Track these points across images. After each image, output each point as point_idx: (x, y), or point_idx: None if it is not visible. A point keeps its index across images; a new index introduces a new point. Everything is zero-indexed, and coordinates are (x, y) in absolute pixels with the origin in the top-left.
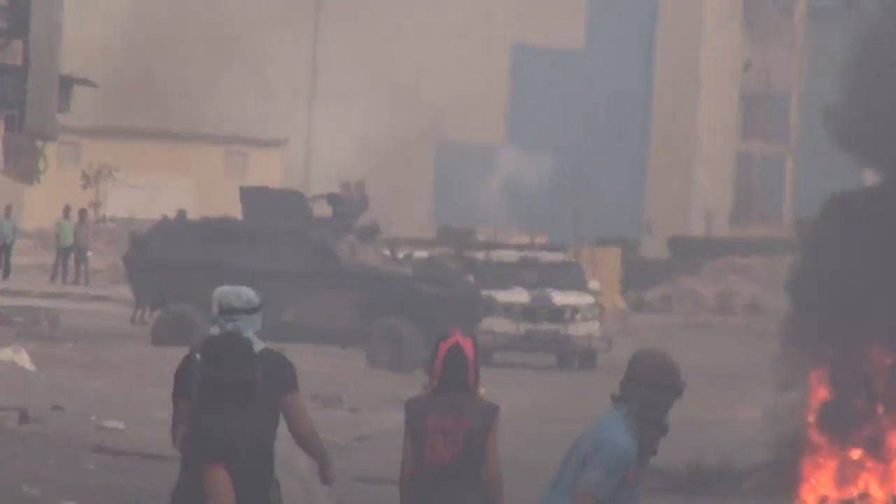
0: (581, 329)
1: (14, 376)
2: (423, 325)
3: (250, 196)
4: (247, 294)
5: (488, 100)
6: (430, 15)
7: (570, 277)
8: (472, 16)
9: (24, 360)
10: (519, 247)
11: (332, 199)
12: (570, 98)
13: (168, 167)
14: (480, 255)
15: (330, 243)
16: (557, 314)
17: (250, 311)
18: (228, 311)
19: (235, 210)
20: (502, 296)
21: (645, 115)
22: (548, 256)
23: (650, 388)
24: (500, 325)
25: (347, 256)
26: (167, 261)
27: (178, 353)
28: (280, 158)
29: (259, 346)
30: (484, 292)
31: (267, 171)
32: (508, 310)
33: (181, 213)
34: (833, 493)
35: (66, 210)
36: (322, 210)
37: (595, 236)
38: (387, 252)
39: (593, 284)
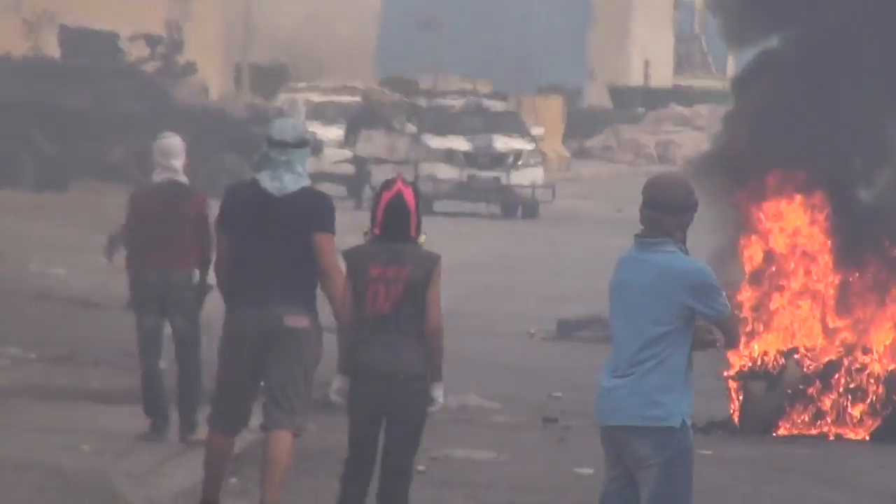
0: (524, 177)
1: None
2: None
3: (68, 35)
4: (300, 126)
5: None
6: None
7: (513, 125)
8: None
9: None
10: (462, 94)
11: (150, 39)
12: None
13: (108, 13)
14: (423, 103)
15: (161, 82)
16: (499, 160)
17: (303, 144)
18: (279, 148)
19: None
20: (443, 142)
21: None
22: (490, 104)
23: (684, 211)
24: (442, 171)
25: (179, 96)
26: None
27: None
28: (222, 7)
29: (303, 182)
30: (427, 139)
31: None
32: (450, 156)
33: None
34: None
35: None
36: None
37: (538, 84)
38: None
39: (536, 131)
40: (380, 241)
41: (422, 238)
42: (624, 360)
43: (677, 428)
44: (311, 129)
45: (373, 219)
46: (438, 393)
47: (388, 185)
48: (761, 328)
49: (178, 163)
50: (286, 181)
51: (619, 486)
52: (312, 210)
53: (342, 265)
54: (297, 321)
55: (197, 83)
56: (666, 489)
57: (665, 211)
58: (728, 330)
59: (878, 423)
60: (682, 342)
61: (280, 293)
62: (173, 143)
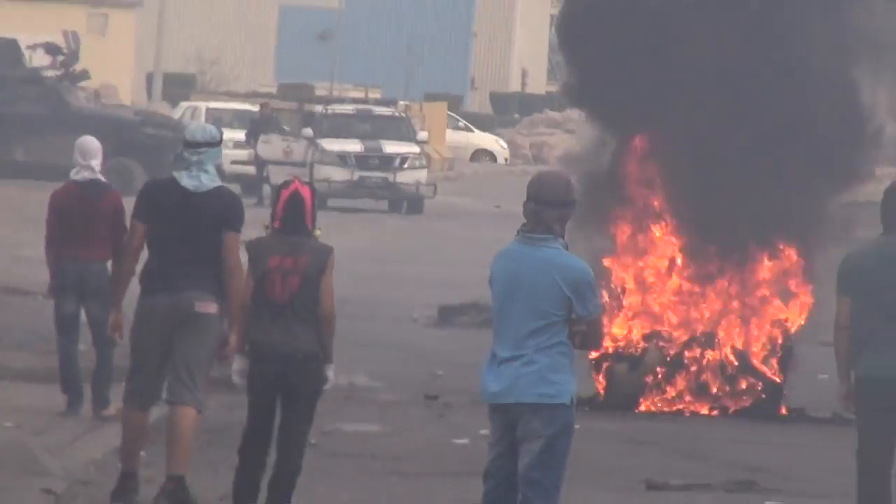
0: (409, 176)
1: None
2: (147, 164)
3: None
4: (211, 129)
5: None
6: None
7: (400, 129)
8: None
9: None
10: (354, 101)
11: (50, 47)
12: None
13: (30, 25)
14: (318, 109)
15: (61, 88)
16: (387, 162)
17: (213, 144)
18: (193, 148)
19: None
20: (337, 145)
21: None
22: (380, 110)
23: (564, 206)
24: (335, 172)
25: (77, 101)
26: None
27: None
28: (136, 21)
29: (217, 182)
30: (323, 142)
31: (125, 33)
32: (343, 158)
33: None
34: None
35: None
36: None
37: (425, 92)
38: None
39: (422, 136)
40: (279, 234)
41: (317, 231)
42: (513, 344)
43: (567, 405)
44: None
45: (273, 214)
46: (330, 372)
47: (286, 184)
48: (627, 314)
49: (97, 162)
50: (203, 179)
51: (502, 462)
52: (226, 209)
53: (244, 257)
54: (207, 307)
55: (90, 90)
56: (547, 458)
57: (546, 205)
58: (595, 330)
59: (729, 401)
60: (566, 329)
61: (192, 280)
62: (92, 145)
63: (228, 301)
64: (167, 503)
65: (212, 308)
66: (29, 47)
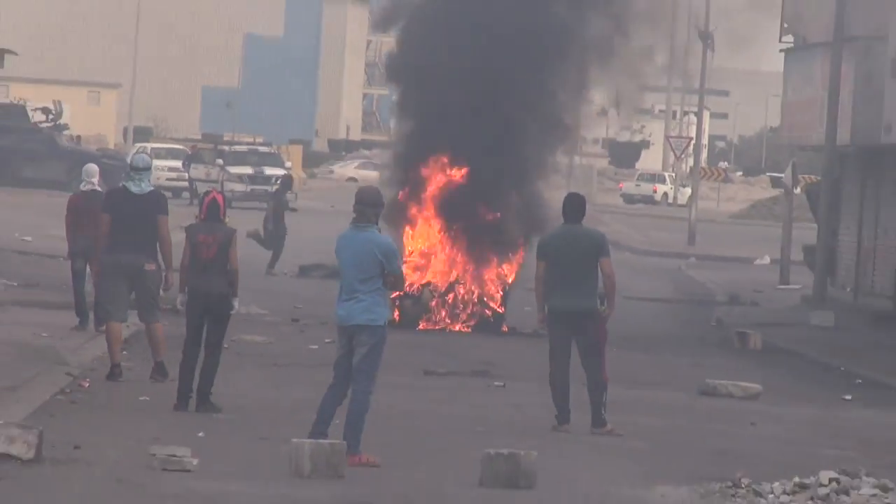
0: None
1: None
2: (105, 181)
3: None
4: (146, 159)
5: (225, 52)
6: None
7: (275, 160)
8: None
9: None
10: (248, 143)
11: (45, 110)
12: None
13: (41, 96)
14: (226, 147)
15: (52, 134)
16: (267, 180)
17: (147, 168)
18: (136, 170)
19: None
20: (237, 170)
21: (314, 61)
22: (262, 149)
23: (377, 206)
24: (237, 186)
25: (62, 142)
26: None
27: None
28: (117, 96)
29: (151, 187)
30: (229, 168)
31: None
32: (241, 177)
33: None
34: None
35: None
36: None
37: (288, 137)
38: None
39: (287, 164)
40: (204, 222)
41: (227, 220)
42: (350, 289)
43: (382, 326)
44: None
45: (200, 210)
46: (235, 303)
47: (207, 193)
48: (412, 270)
49: (95, 179)
50: (143, 186)
51: (343, 359)
52: (157, 202)
53: (174, 235)
54: (150, 266)
55: (74, 136)
56: (370, 357)
57: (367, 205)
58: (398, 280)
59: (473, 321)
60: (381, 279)
61: (139, 248)
62: (93, 168)
63: (163, 256)
64: (158, 376)
65: (152, 266)
66: (32, 109)
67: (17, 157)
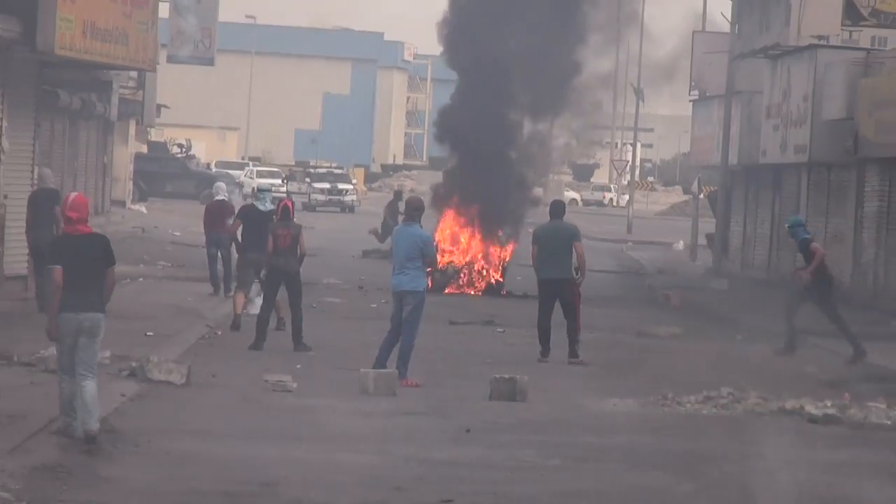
0: (349, 197)
1: None
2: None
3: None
4: (271, 182)
5: (310, 105)
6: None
7: (345, 178)
8: None
9: None
10: (326, 167)
11: (180, 145)
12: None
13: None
14: (312, 170)
15: (185, 161)
16: (340, 191)
17: (267, 190)
18: (260, 191)
19: (217, 155)
20: (319, 185)
21: (371, 110)
22: (336, 171)
23: (421, 211)
24: (319, 196)
25: (192, 166)
26: None
27: (195, 208)
28: (238, 135)
29: (271, 206)
30: (315, 184)
31: (233, 141)
32: (322, 190)
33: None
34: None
35: None
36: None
37: (353, 162)
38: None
39: (354, 181)
40: (280, 221)
41: (297, 220)
42: (401, 266)
43: (422, 291)
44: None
45: (275, 212)
46: (307, 275)
47: (281, 200)
48: (441, 254)
49: (224, 193)
50: (266, 204)
51: (397, 315)
52: (272, 219)
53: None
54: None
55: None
56: (414, 313)
57: (413, 209)
58: (433, 260)
59: (482, 287)
60: (421, 259)
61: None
62: (222, 183)
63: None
64: (282, 326)
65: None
66: (171, 145)
67: (161, 177)
